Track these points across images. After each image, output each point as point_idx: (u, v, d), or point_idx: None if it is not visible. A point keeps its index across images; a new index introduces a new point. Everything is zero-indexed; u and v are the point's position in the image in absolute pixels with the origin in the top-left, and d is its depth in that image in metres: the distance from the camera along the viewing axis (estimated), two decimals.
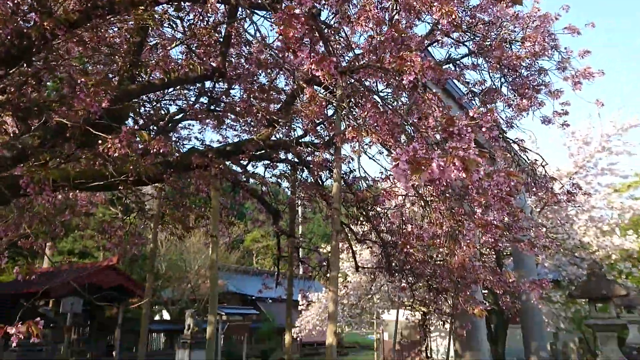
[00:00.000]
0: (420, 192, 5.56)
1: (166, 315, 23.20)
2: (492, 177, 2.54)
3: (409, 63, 2.26)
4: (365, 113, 3.47)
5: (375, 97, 3.47)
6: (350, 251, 8.12)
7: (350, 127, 3.61)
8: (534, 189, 6.65)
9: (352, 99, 4.24)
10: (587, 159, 14.43)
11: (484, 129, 2.83)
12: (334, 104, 5.52)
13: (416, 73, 2.32)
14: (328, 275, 7.77)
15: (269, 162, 7.89)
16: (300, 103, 5.19)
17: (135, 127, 5.93)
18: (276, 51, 5.94)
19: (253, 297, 23.81)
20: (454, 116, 2.27)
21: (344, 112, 4.40)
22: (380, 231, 6.71)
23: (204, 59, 5.17)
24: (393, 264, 6.64)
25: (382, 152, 6.78)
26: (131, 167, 4.08)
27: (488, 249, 16.21)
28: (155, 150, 3.66)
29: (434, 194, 4.72)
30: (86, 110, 3.14)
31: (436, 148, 2.07)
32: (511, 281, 5.02)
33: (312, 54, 2.23)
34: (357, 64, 3.40)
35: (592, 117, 20.20)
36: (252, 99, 5.75)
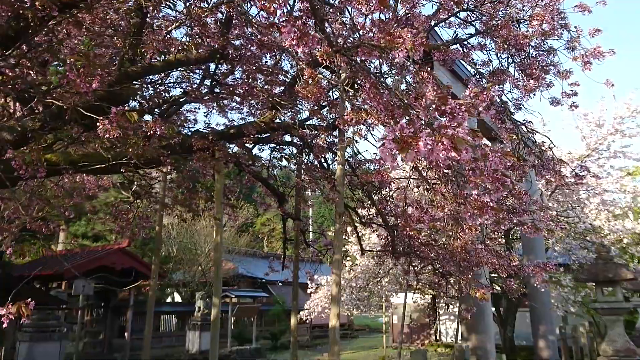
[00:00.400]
0: (424, 175, 5.51)
1: (178, 298, 23.51)
2: (488, 157, 2.49)
3: (398, 39, 2.20)
4: (365, 94, 3.41)
5: (373, 77, 3.40)
6: (355, 234, 8.10)
7: (350, 109, 3.55)
8: (542, 172, 6.56)
9: (354, 81, 4.17)
10: (600, 142, 14.20)
11: (480, 108, 2.76)
12: (338, 87, 5.46)
13: (407, 50, 2.26)
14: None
15: (275, 145, 7.88)
16: (300, 85, 5.12)
17: (136, 109, 5.92)
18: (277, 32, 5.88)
19: (263, 280, 24.00)
20: (446, 95, 2.21)
21: (345, 94, 4.34)
22: (385, 214, 6.67)
23: (204, 40, 5.12)
24: (398, 247, 6.61)
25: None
26: (130, 150, 4.07)
27: (498, 233, 16.14)
28: (152, 132, 3.65)
29: (437, 176, 4.66)
30: (78, 92, 3.12)
31: (426, 127, 2.01)
32: (514, 264, 4.97)
33: (295, 30, 2.17)
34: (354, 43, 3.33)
35: (605, 99, 19.83)
36: (253, 81, 5.70)
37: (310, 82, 4.21)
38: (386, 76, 4.80)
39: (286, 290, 24.35)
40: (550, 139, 6.43)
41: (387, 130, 1.84)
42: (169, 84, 6.84)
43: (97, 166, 5.01)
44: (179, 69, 5.58)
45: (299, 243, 8.44)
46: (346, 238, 16.15)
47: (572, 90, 6.21)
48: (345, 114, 3.70)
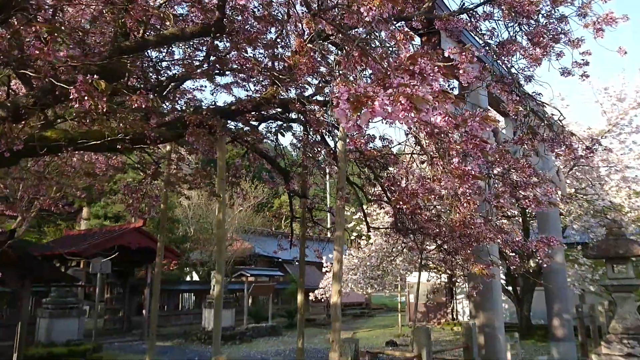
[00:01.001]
0: (427, 149, 5.36)
1: (196, 277, 23.88)
2: (467, 122, 2.35)
3: None
4: (354, 63, 3.29)
5: (359, 43, 3.26)
6: (362, 211, 8.00)
7: (338, 80, 3.42)
8: (553, 145, 6.34)
9: (345, 50, 4.03)
10: (621, 116, 13.70)
11: (461, 71, 2.61)
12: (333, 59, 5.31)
13: (375, 7, 2.13)
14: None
15: (281, 123, 7.78)
16: (290, 56, 5.00)
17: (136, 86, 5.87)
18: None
19: (280, 259, 24.18)
20: (417, 54, 2.08)
21: (337, 65, 4.21)
22: (391, 191, 6.56)
23: (199, 13, 5.02)
24: (402, 224, 6.50)
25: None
26: (121, 125, 4.02)
27: (516, 212, 15.86)
28: (136, 105, 3.59)
29: (436, 148, 4.51)
30: (49, 63, 3.05)
31: (383, 86, 1.89)
32: (517, 240, 4.82)
33: None
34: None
35: (626, 71, 19.12)
36: (249, 55, 5.59)
37: (300, 52, 4.09)
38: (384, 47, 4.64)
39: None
40: (560, 111, 6.19)
41: (341, 89, 1.73)
42: (171, 62, 6.77)
43: (93, 143, 4.99)
44: (171, 43, 5.48)
45: (305, 221, 8.38)
46: (359, 217, 16.07)
47: (583, 60, 5.94)
48: (334, 85, 3.58)
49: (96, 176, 7.93)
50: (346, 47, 3.76)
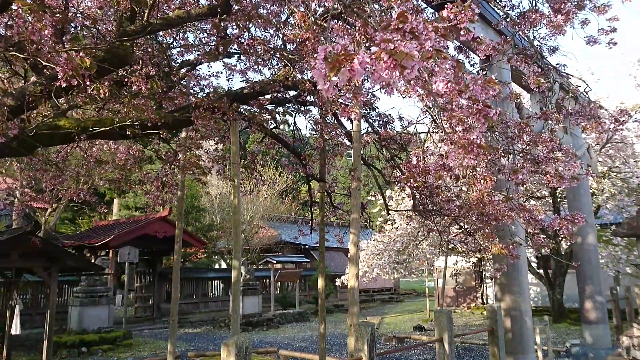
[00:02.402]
0: (444, 125, 5.14)
1: (224, 265, 24.14)
2: (469, 87, 2.17)
3: None
4: (358, 35, 3.12)
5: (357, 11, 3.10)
6: (380, 193, 7.83)
7: (342, 51, 3.26)
8: (579, 119, 6.02)
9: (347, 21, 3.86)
10: None
11: (461, 32, 2.42)
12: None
13: None
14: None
15: (298, 105, 7.64)
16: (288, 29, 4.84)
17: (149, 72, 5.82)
18: None
19: (307, 246, 24.20)
20: (407, 12, 1.90)
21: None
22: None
23: None
24: (421, 206, 6.31)
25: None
26: (125, 111, 3.96)
27: (546, 193, 15.38)
28: (138, 88, 3.51)
29: (449, 124, 4.30)
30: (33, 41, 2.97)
31: (366, 43, 1.73)
32: (539, 218, 4.58)
33: None
34: None
35: None
36: (256, 35, 5.45)
37: (303, 26, 3.94)
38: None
39: (329, 256, 24.47)
40: (586, 82, 5.86)
41: (320, 48, 1.59)
42: (180, 47, 6.68)
43: (102, 130, 4.97)
44: (177, 25, 5.38)
45: (324, 205, 8.26)
46: (376, 200, 15.84)
47: (610, 27, 5.60)
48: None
49: (118, 166, 7.97)
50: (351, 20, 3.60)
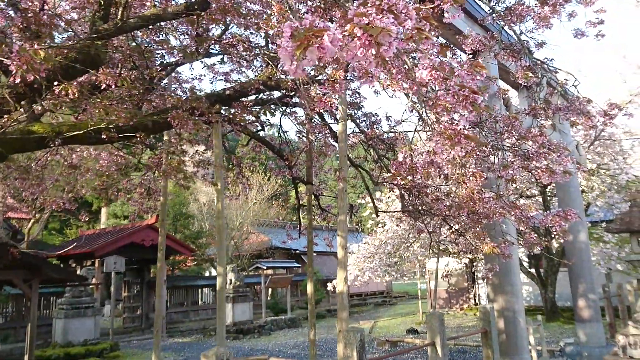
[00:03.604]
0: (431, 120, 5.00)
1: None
2: (454, 72, 2.01)
3: None
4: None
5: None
6: (368, 194, 7.67)
7: (310, 27, 3.10)
8: (568, 114, 5.92)
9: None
10: None
11: (446, 7, 2.26)
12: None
13: None
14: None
15: (283, 106, 7.48)
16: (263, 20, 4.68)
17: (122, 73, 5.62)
18: None
19: (297, 251, 23.98)
20: None
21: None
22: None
23: None
24: (411, 206, 6.15)
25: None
26: (99, 114, 3.77)
27: (536, 192, 15.32)
28: (105, 85, 3.32)
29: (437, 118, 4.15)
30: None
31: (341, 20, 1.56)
32: (531, 215, 4.45)
33: None
34: None
35: None
36: (237, 34, 5.29)
37: (281, 20, 3.77)
38: None
39: (321, 260, 24.28)
40: (574, 76, 5.75)
41: (286, 25, 1.42)
42: (161, 48, 6.49)
43: (76, 133, 4.76)
44: (154, 24, 5.19)
45: (311, 208, 8.09)
46: (367, 203, 15.71)
47: (597, 19, 5.50)
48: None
49: (100, 173, 7.75)
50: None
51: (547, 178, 3.90)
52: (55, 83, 3.57)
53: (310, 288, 8.37)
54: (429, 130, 4.36)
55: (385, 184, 7.08)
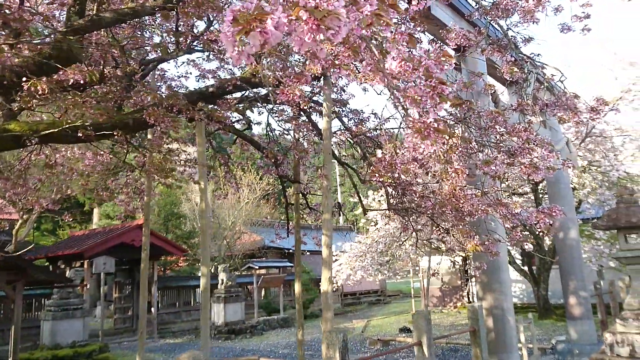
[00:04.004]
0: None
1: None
2: (421, 61, 1.93)
3: None
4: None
5: None
6: (356, 193, 7.58)
7: (254, 11, 3.02)
8: (555, 109, 5.85)
9: None
10: (633, 82, 13.00)
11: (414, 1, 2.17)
12: None
13: None
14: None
15: (269, 104, 7.38)
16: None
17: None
18: None
19: (290, 250, 23.85)
20: None
21: None
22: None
23: None
24: (396, 204, 6.07)
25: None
26: (77, 109, 3.66)
27: (528, 190, 15.28)
28: (72, 80, 3.21)
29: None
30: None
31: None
32: (515, 212, 4.37)
33: None
34: None
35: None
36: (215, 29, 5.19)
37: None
38: None
39: (314, 260, 24.15)
40: (561, 71, 5.68)
41: (228, 10, 1.32)
42: (135, 46, 6.37)
43: (52, 131, 4.64)
44: (130, 20, 5.07)
45: (299, 207, 8.00)
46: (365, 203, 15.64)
47: (583, 13, 5.43)
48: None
49: (83, 173, 7.62)
50: None
51: (531, 173, 3.82)
52: (25, 79, 3.46)
53: (298, 288, 8.29)
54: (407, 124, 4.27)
55: (372, 182, 6.99)
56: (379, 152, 4.04)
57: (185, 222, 21.55)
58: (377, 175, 3.27)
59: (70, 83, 4.48)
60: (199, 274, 24.11)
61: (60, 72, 3.60)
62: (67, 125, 4.61)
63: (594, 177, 13.37)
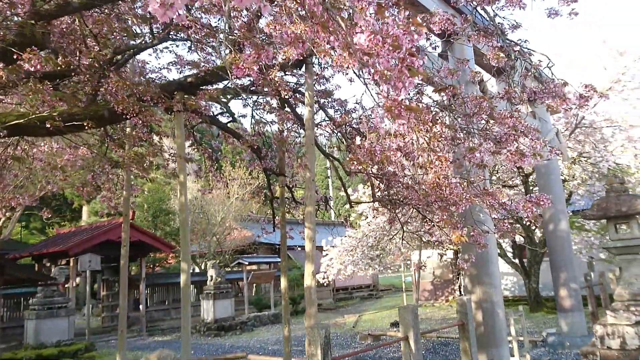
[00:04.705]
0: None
1: (197, 269, 23.47)
2: (389, 31, 1.75)
3: None
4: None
5: None
6: (342, 185, 7.41)
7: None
8: (543, 97, 5.70)
9: None
10: (622, 72, 12.90)
11: None
12: None
13: None
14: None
15: (252, 95, 7.18)
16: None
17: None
18: None
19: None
20: None
21: None
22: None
23: None
24: (382, 195, 5.91)
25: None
26: (36, 100, 3.45)
27: (519, 182, 15.20)
28: (33, 68, 3.01)
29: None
30: None
31: None
32: (503, 202, 4.22)
33: None
34: None
35: (629, 20, 18.16)
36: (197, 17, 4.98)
37: None
38: None
39: (304, 254, 24.00)
40: (549, 58, 5.53)
41: None
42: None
43: (18, 122, 4.43)
44: (100, 5, 4.85)
45: (284, 201, 7.81)
46: (356, 196, 15.48)
47: None
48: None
49: (62, 168, 7.38)
50: None
51: (517, 161, 3.66)
52: None
53: (284, 283, 8.10)
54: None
55: (352, 171, 6.82)
56: (357, 140, 3.88)
57: (174, 219, 21.29)
58: (355, 163, 3.09)
59: (42, 73, 4.27)
60: (190, 271, 23.92)
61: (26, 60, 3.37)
62: (33, 116, 4.39)
63: (584, 169, 13.30)
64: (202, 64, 7.30)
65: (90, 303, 21.47)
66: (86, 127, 4.81)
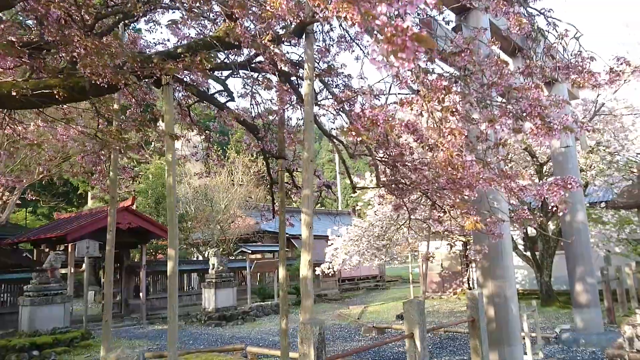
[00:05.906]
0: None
1: (200, 257, 23.14)
2: None
3: None
4: None
5: None
6: (345, 169, 6.91)
7: None
8: (568, 72, 5.14)
9: None
10: None
11: None
12: None
13: None
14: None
15: (251, 71, 6.67)
16: None
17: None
18: None
19: (287, 235, 23.28)
20: None
21: None
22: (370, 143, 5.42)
23: None
24: (387, 179, 5.41)
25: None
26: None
27: (532, 171, 14.60)
28: None
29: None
30: None
31: None
32: (523, 185, 3.70)
33: None
34: None
35: None
36: None
37: None
38: None
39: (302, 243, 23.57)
40: (576, 27, 4.96)
41: None
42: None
43: None
44: None
45: (284, 185, 7.32)
46: (364, 183, 14.96)
47: None
48: None
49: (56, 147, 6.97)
50: None
51: (544, 135, 3.13)
52: None
53: (282, 272, 7.61)
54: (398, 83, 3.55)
55: (361, 157, 6.30)
56: (356, 107, 3.38)
57: (177, 205, 20.91)
58: (354, 133, 2.59)
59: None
60: (192, 258, 23.58)
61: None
62: (5, 89, 3.93)
63: (602, 158, 12.65)
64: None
65: (94, 290, 21.25)
66: (60, 99, 4.33)
